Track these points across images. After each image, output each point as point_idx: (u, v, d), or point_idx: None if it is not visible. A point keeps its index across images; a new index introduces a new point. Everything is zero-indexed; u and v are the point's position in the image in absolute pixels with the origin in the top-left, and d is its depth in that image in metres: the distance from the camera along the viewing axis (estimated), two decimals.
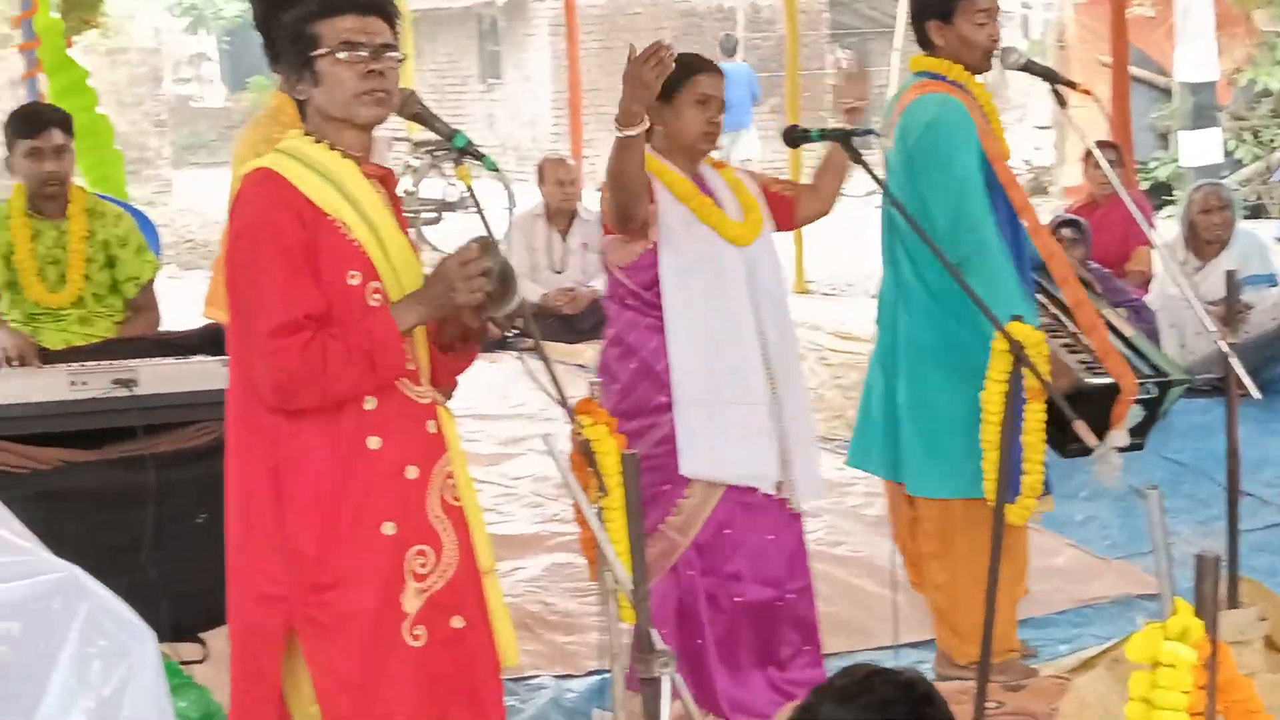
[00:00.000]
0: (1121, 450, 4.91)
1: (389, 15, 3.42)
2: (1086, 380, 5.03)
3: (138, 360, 5.00)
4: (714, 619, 4.66)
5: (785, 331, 4.75)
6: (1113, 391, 5.02)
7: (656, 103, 4.48)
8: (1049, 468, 4.77)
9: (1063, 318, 5.31)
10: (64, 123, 5.85)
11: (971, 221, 4.77)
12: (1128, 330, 5.39)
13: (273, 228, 3.32)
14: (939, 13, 4.89)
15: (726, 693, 4.66)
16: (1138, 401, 4.96)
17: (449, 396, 3.67)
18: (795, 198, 4.86)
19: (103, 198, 6.17)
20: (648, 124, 4.37)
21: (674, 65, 4.30)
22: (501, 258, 3.41)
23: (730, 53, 22.90)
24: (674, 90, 4.53)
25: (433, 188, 17.33)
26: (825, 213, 4.96)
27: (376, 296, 3.38)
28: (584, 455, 3.78)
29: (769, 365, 4.65)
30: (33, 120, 5.86)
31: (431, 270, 3.43)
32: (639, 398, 4.60)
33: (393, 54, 3.41)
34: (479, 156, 3.66)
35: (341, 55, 3.34)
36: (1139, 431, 5.07)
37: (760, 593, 4.69)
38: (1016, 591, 5.15)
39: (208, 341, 5.12)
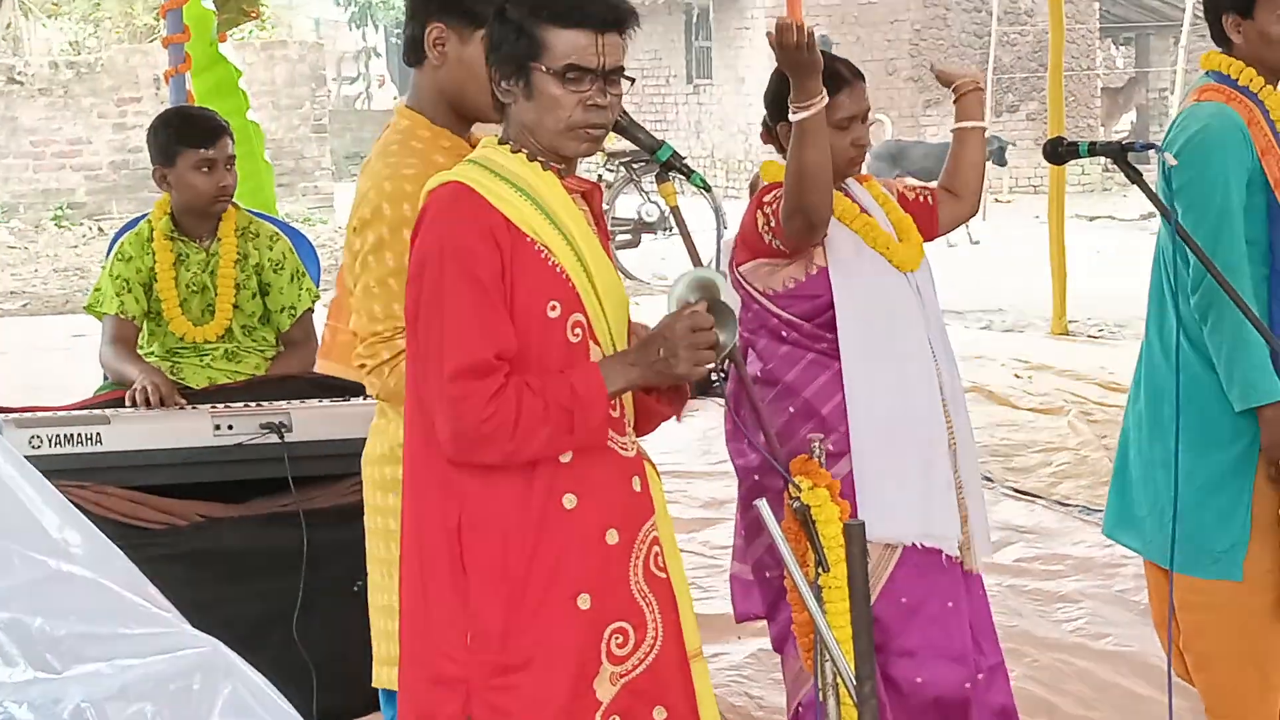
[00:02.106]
0: None
1: (628, 30, 3.41)
2: None
3: (291, 402, 5.08)
4: (893, 707, 4.59)
5: (954, 369, 4.75)
6: None
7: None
8: None
9: None
10: (230, 132, 5.88)
11: (1225, 261, 4.65)
12: None
13: (464, 253, 3.32)
14: (1237, 5, 4.81)
15: None
16: None
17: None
18: (935, 203, 4.89)
19: (256, 215, 6.17)
20: (825, 99, 4.38)
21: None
22: (721, 297, 3.38)
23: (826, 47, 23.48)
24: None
25: (629, 205, 17.44)
26: (969, 216, 4.97)
27: (578, 331, 3.38)
28: (801, 523, 3.77)
29: (946, 407, 4.64)
30: (204, 127, 5.85)
31: (653, 329, 3.41)
32: (798, 446, 4.53)
33: (623, 80, 3.41)
34: (686, 172, 3.67)
35: (567, 77, 3.34)
36: None
37: (944, 672, 4.60)
38: None
39: None
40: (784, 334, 4.61)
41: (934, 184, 5.02)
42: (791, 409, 4.59)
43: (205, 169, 5.76)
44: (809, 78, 4.32)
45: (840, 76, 4.60)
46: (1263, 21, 4.79)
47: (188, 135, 5.78)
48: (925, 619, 4.59)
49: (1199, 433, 4.75)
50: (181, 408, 5.23)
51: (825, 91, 4.38)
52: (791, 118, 4.36)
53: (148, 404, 5.22)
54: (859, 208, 4.65)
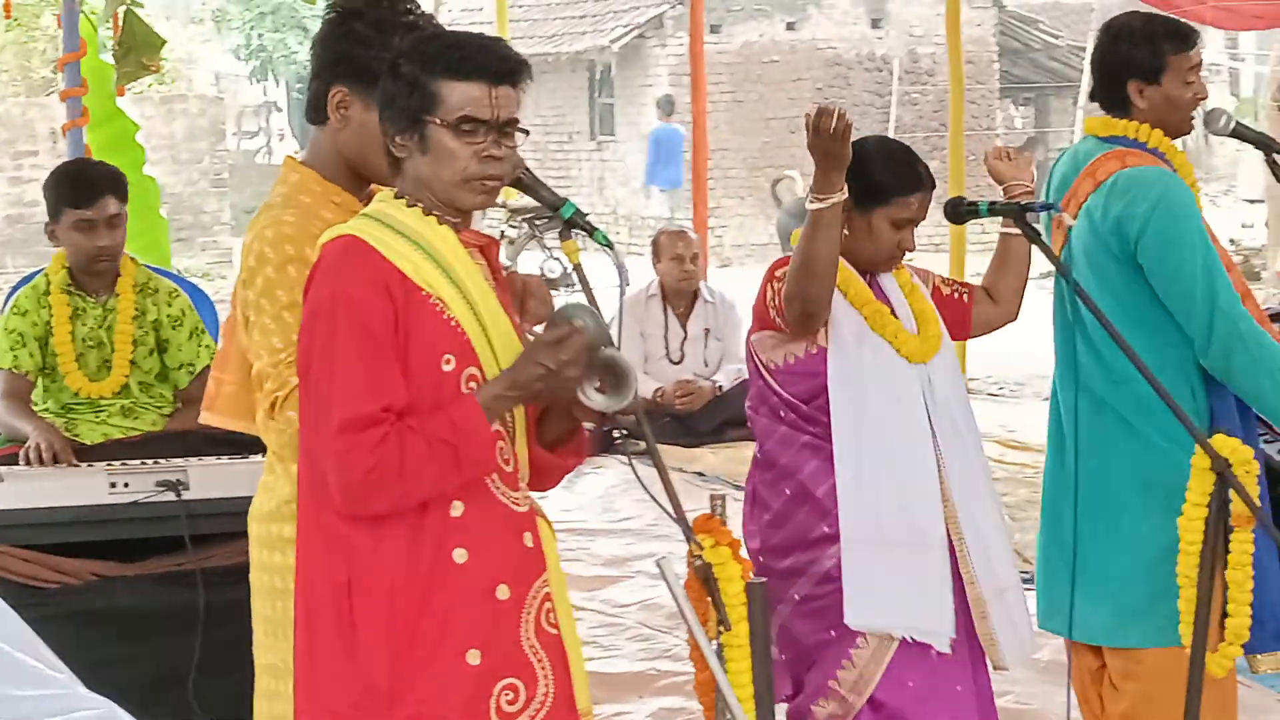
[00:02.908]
0: None
1: (522, 83, 3.43)
2: None
3: (187, 459, 5.04)
4: None
5: (970, 460, 4.66)
6: None
7: (853, 209, 4.46)
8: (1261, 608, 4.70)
9: None
10: (119, 188, 5.81)
11: (1231, 309, 4.70)
12: None
13: (355, 305, 3.32)
14: (1145, 72, 4.85)
15: None
16: None
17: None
18: (970, 301, 4.77)
19: (155, 270, 6.13)
20: (845, 193, 4.33)
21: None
22: (608, 337, 3.40)
23: (668, 113, 25.22)
24: (875, 202, 4.49)
25: (532, 262, 17.46)
26: (1009, 320, 4.85)
27: (472, 385, 3.38)
28: (703, 581, 3.77)
29: (947, 500, 4.56)
30: (83, 187, 5.80)
31: (527, 346, 3.43)
32: (795, 528, 4.53)
33: (516, 132, 3.42)
34: (589, 229, 3.68)
35: (462, 129, 3.36)
36: None
37: None
38: None
39: None
40: (782, 414, 4.55)
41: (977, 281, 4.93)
42: (788, 491, 4.54)
43: (84, 229, 5.73)
44: (836, 169, 4.27)
45: (921, 180, 4.52)
46: (1169, 86, 4.86)
47: (68, 194, 5.77)
48: (936, 700, 4.53)
49: (1153, 500, 4.77)
50: (76, 465, 5.18)
51: (845, 188, 4.32)
52: (809, 206, 4.32)
53: (40, 461, 5.18)
54: (873, 294, 4.57)
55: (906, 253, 4.59)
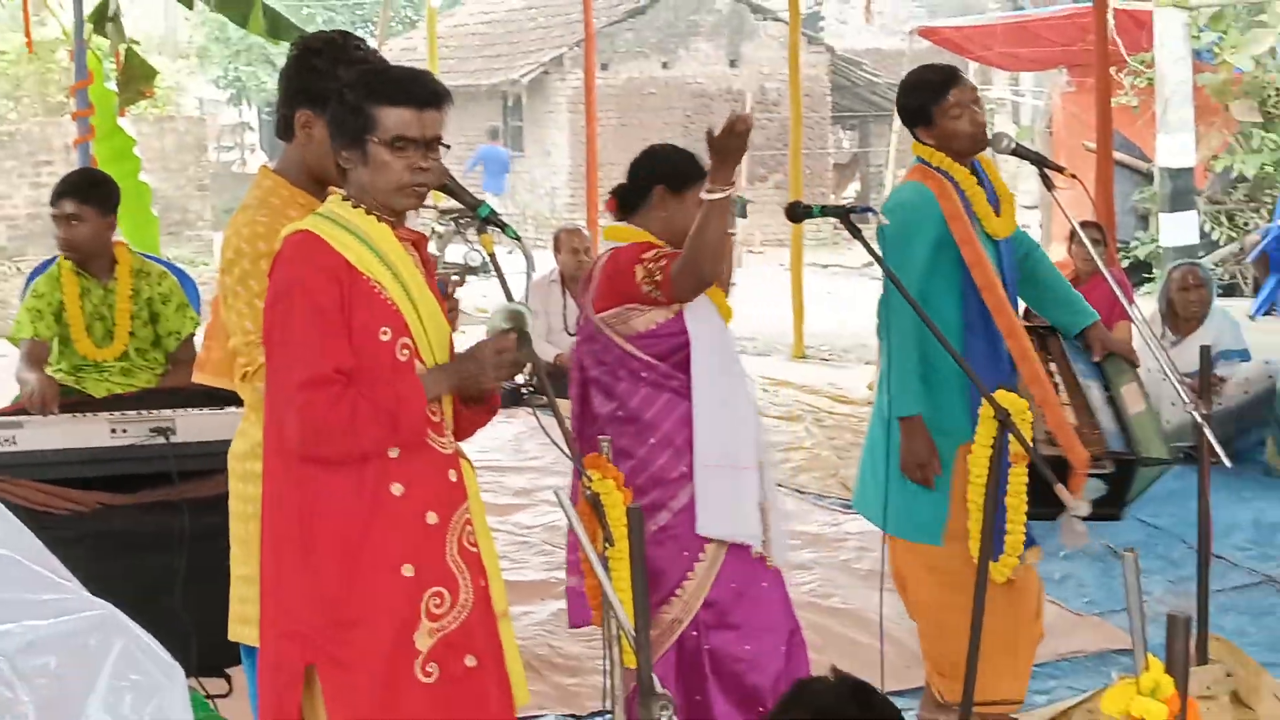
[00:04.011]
0: (1096, 519, 4.89)
1: (445, 108, 3.41)
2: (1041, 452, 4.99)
3: (175, 410, 5.00)
4: (719, 673, 4.56)
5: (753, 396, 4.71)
6: (1063, 464, 4.97)
7: (665, 193, 4.50)
8: (1032, 526, 4.75)
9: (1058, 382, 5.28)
10: (80, 193, 5.79)
11: (897, 304, 4.76)
12: (1138, 406, 5.31)
13: (308, 287, 3.32)
14: (920, 118, 4.92)
15: None
16: (1099, 476, 4.90)
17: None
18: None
19: (147, 258, 6.15)
20: (737, 186, 4.34)
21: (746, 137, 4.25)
22: (525, 327, 3.41)
23: (494, 136, 26.57)
24: (685, 186, 4.53)
25: (456, 253, 17.38)
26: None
27: (405, 351, 3.38)
28: (592, 507, 3.77)
29: (756, 432, 4.61)
30: (55, 190, 5.87)
31: (467, 350, 3.44)
32: (658, 471, 4.51)
33: (440, 147, 3.40)
34: (501, 225, 3.67)
35: (396, 146, 3.35)
36: (1111, 503, 5.02)
37: (765, 640, 4.60)
38: (1025, 640, 5.08)
39: None
40: (644, 375, 4.51)
41: None
42: (653, 440, 4.51)
43: (55, 222, 5.82)
44: (733, 165, 4.27)
45: (702, 172, 4.51)
46: (941, 124, 4.90)
47: (53, 193, 5.87)
48: (749, 599, 4.57)
49: (943, 441, 4.83)
50: (57, 414, 5.15)
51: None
52: (707, 197, 4.28)
53: (33, 407, 5.20)
54: None
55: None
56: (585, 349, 4.60)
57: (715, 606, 4.52)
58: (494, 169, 26.00)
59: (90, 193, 5.82)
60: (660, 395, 4.51)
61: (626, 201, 4.63)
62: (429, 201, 3.75)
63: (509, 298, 3.53)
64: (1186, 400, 4.87)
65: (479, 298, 16.79)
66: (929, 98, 4.89)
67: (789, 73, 13.18)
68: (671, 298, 4.45)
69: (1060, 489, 4.28)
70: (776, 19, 27.20)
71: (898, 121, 21.06)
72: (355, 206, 3.42)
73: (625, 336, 4.51)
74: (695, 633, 4.54)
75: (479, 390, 3.46)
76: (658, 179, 4.56)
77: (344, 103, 3.39)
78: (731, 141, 4.24)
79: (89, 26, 9.47)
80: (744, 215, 21.89)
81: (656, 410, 4.52)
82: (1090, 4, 12.13)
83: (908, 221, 4.83)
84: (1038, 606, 5.07)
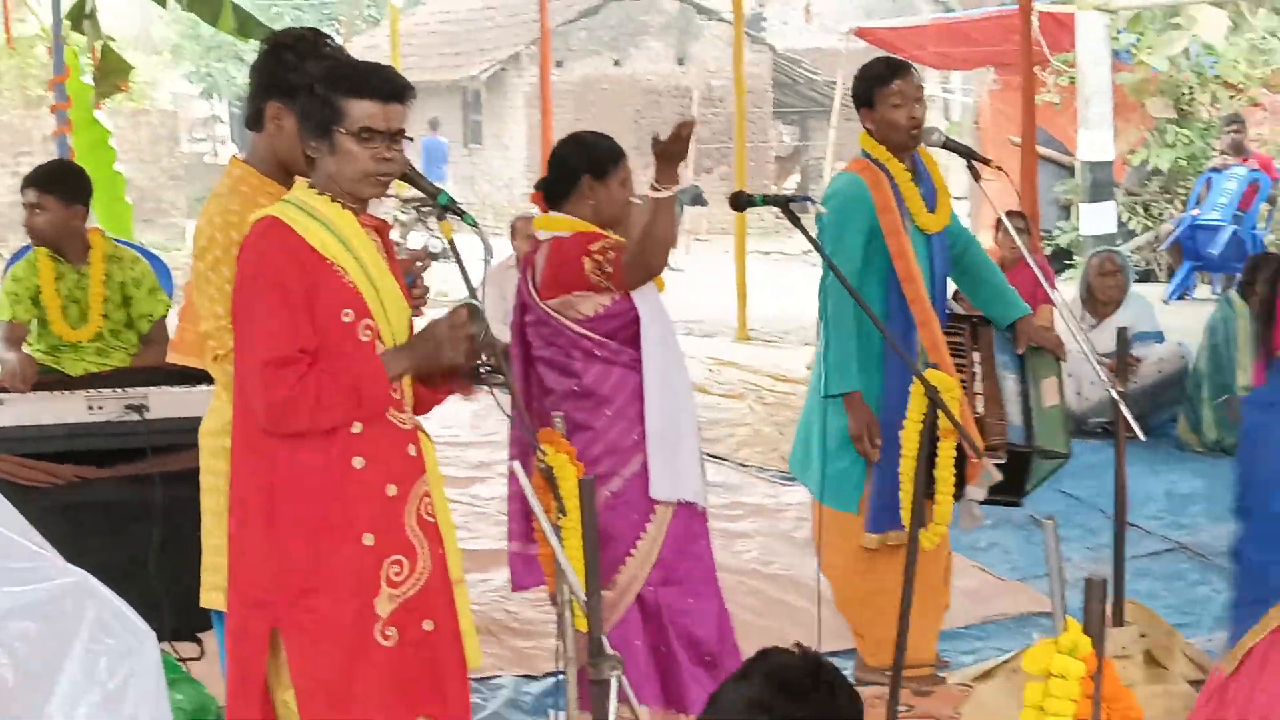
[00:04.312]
0: (996, 504, 4.98)
1: (408, 100, 3.39)
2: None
3: (149, 388, 4.96)
4: (675, 623, 4.57)
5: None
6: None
7: (592, 180, 4.49)
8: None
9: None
10: (42, 183, 5.73)
11: (834, 289, 4.79)
12: (1052, 400, 5.33)
13: (274, 271, 3.31)
14: (864, 101, 4.97)
15: (697, 694, 4.59)
16: (997, 465, 4.95)
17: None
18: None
19: (121, 243, 6.10)
20: (680, 184, 4.35)
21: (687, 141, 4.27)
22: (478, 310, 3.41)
23: (434, 127, 25.94)
24: (605, 172, 4.50)
25: (418, 240, 17.33)
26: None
27: (367, 332, 3.37)
28: (546, 480, 3.77)
29: (691, 400, 4.62)
30: (25, 178, 5.81)
31: (423, 329, 3.43)
32: (613, 441, 4.50)
33: (404, 138, 3.39)
34: (460, 213, 3.65)
35: (362, 137, 3.33)
36: (1011, 490, 5.08)
37: (705, 592, 4.61)
38: (938, 607, 5.13)
39: None
40: (597, 353, 4.48)
41: None
42: (608, 412, 4.49)
43: (25, 209, 5.77)
44: (677, 165, 4.28)
45: (621, 150, 4.56)
46: (880, 110, 4.93)
47: (21, 182, 5.82)
48: (691, 556, 4.58)
49: (837, 405, 4.89)
50: (27, 394, 5.07)
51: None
52: (653, 195, 4.30)
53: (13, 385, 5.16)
54: None
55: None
56: (533, 331, 4.58)
57: (662, 564, 4.55)
58: (434, 159, 25.55)
59: (51, 183, 5.76)
60: (614, 370, 4.50)
61: (554, 191, 4.59)
62: (392, 190, 3.73)
63: (468, 282, 3.52)
64: (1104, 379, 4.91)
65: (440, 282, 16.77)
66: (875, 82, 4.94)
67: (733, 70, 13.15)
68: (621, 287, 4.45)
69: (986, 462, 4.31)
70: (721, 20, 27.15)
71: (836, 116, 21.13)
72: (321, 194, 3.39)
73: (575, 320, 4.48)
74: (651, 588, 4.56)
75: (439, 368, 3.44)
76: (584, 168, 4.52)
77: (313, 95, 3.37)
78: (676, 146, 4.26)
79: (67, 23, 9.39)
80: (703, 203, 21.89)
81: (611, 385, 4.51)
82: (1016, 7, 12.16)
83: (842, 210, 4.87)
84: (945, 575, 5.13)
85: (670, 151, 4.27)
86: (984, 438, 4.97)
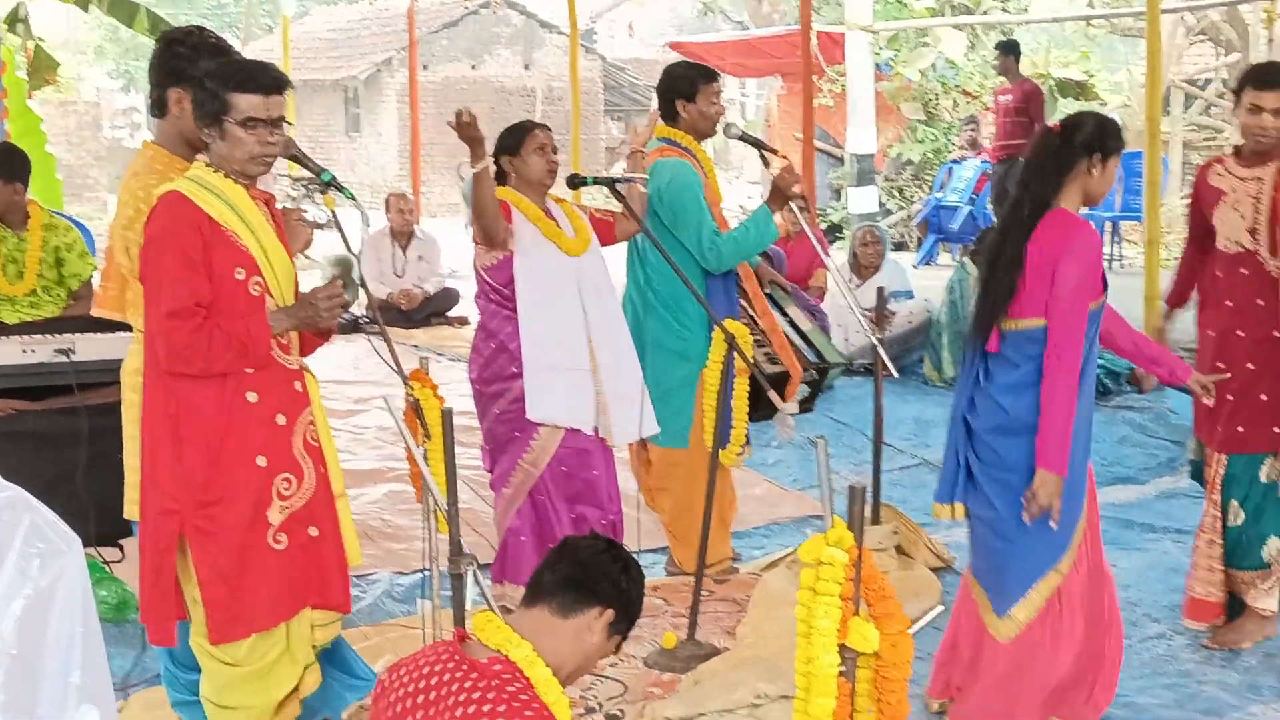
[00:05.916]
0: (795, 414, 5.01)
1: (285, 91, 3.33)
2: (766, 368, 5.12)
3: (76, 334, 4.82)
4: (564, 530, 4.55)
5: (609, 315, 4.59)
6: (785, 377, 5.09)
7: (509, 155, 4.44)
8: (750, 425, 4.84)
9: (758, 323, 5.40)
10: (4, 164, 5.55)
11: (714, 244, 4.82)
12: (807, 325, 5.47)
13: (176, 236, 3.23)
14: (685, 93, 4.94)
15: None
16: (804, 382, 5.05)
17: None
18: (614, 222, 4.74)
19: (55, 214, 5.93)
20: (491, 163, 4.31)
21: (475, 124, 4.20)
22: (353, 274, 3.37)
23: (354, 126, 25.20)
24: (519, 145, 4.48)
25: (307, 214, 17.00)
26: (635, 233, 4.79)
27: (257, 287, 3.31)
28: (414, 411, 3.74)
29: (590, 340, 4.53)
30: None
31: (305, 294, 3.37)
32: (497, 369, 4.50)
33: (284, 124, 3.32)
34: (342, 189, 3.60)
35: (247, 125, 3.25)
36: (807, 401, 5.18)
37: (591, 514, 4.60)
38: (729, 513, 5.22)
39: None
40: (491, 296, 4.50)
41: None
42: (493, 345, 4.49)
43: None
44: (480, 146, 4.23)
45: (540, 124, 4.56)
46: (701, 104, 4.93)
47: None
48: (579, 481, 4.55)
49: (669, 352, 4.89)
50: None
51: (490, 160, 4.31)
52: (468, 172, 4.26)
53: None
54: (544, 213, 4.53)
55: (555, 169, 4.55)
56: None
57: (552, 480, 4.53)
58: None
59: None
60: (502, 311, 4.49)
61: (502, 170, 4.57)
62: (284, 171, 3.66)
63: (348, 248, 3.50)
64: (866, 328, 5.00)
65: (326, 248, 16.48)
66: (701, 80, 4.93)
67: (570, 75, 13.08)
68: (482, 243, 4.46)
69: (774, 395, 4.37)
70: (560, 33, 26.94)
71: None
72: (216, 171, 3.32)
73: (482, 268, 4.52)
74: (542, 497, 4.53)
75: (314, 327, 3.41)
76: (501, 150, 4.55)
77: (204, 89, 3.28)
78: (465, 131, 4.20)
79: (3, 26, 9.04)
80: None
81: (497, 322, 4.50)
82: (799, 27, 12.28)
83: (688, 183, 4.85)
84: (732, 495, 5.21)
85: (466, 136, 4.22)
86: (802, 364, 5.05)
